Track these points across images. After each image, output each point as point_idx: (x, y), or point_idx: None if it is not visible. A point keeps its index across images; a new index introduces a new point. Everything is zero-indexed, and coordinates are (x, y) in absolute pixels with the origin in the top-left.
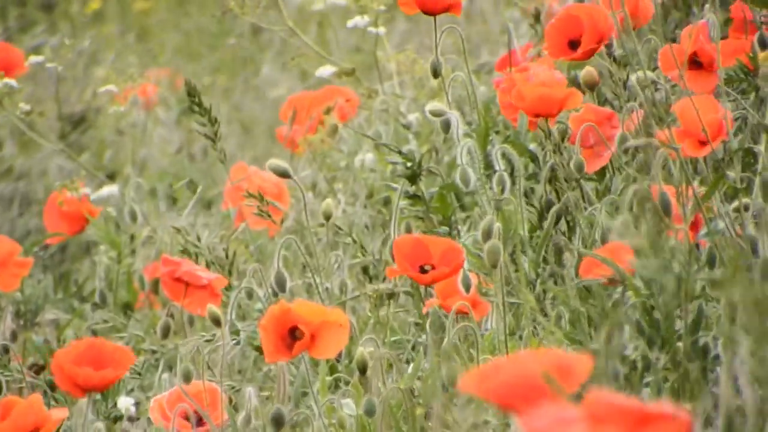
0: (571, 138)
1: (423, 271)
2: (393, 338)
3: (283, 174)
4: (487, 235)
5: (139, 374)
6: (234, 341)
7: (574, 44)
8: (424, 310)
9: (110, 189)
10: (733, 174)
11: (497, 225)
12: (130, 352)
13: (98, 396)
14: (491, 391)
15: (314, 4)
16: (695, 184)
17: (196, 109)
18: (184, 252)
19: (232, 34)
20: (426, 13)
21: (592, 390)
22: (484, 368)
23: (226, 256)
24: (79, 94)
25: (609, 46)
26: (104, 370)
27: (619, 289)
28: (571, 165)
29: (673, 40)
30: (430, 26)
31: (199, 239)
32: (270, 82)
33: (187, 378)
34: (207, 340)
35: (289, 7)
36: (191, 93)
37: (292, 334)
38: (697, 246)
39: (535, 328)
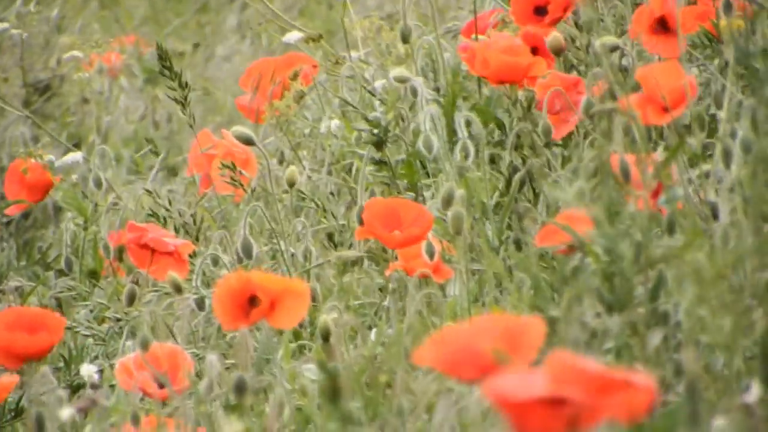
0: (538, 104)
1: (392, 234)
2: (356, 303)
3: (248, 141)
4: (447, 202)
5: (104, 341)
6: (198, 307)
7: (539, 10)
8: (387, 273)
9: (75, 156)
10: (695, 141)
11: (461, 192)
12: (61, 317)
13: (61, 364)
14: (444, 361)
15: None
16: (659, 150)
17: (167, 73)
18: (153, 217)
19: (196, 1)
20: None
21: (555, 353)
22: (438, 337)
23: (194, 222)
24: (45, 62)
25: (575, 12)
26: (38, 335)
27: (579, 255)
28: (539, 130)
29: (638, 5)
30: None
31: (170, 203)
32: (232, 50)
33: (145, 345)
34: (166, 293)
35: None
36: (162, 57)
37: (252, 303)
38: (660, 213)
39: (499, 294)
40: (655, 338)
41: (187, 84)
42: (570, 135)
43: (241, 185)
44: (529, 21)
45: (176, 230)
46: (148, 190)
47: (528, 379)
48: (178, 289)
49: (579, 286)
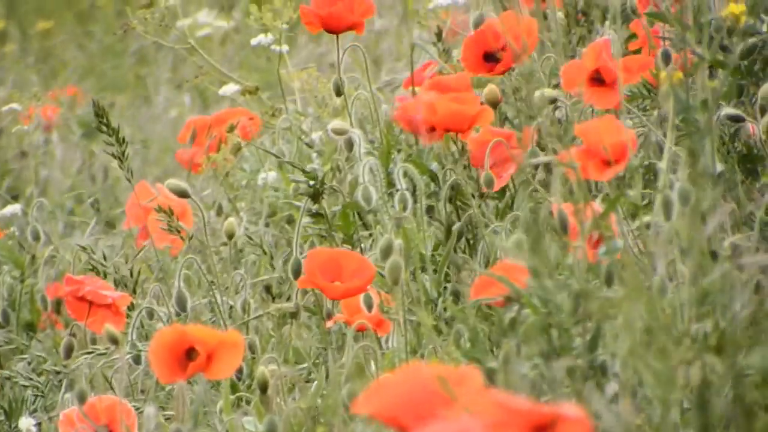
0: (471, 158)
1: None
2: (295, 357)
3: (182, 194)
4: (386, 252)
5: (43, 394)
6: (134, 361)
7: (489, 56)
8: (328, 326)
9: (13, 208)
10: (633, 192)
11: (398, 242)
12: None
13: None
14: (381, 409)
15: (201, 29)
16: (597, 201)
17: (104, 129)
18: (92, 270)
19: (133, 54)
20: (329, 31)
21: (490, 394)
22: (374, 386)
23: (131, 275)
24: None
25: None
26: None
27: (517, 307)
28: (482, 181)
29: (572, 57)
30: (334, 44)
31: (105, 258)
32: (169, 101)
33: (82, 399)
34: (100, 354)
35: (177, 29)
36: (98, 113)
37: (188, 355)
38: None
39: (437, 346)
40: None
41: (124, 139)
42: (504, 188)
43: (179, 233)
44: (479, 68)
45: (115, 283)
46: (83, 247)
47: (464, 425)
48: (116, 342)
49: (517, 338)
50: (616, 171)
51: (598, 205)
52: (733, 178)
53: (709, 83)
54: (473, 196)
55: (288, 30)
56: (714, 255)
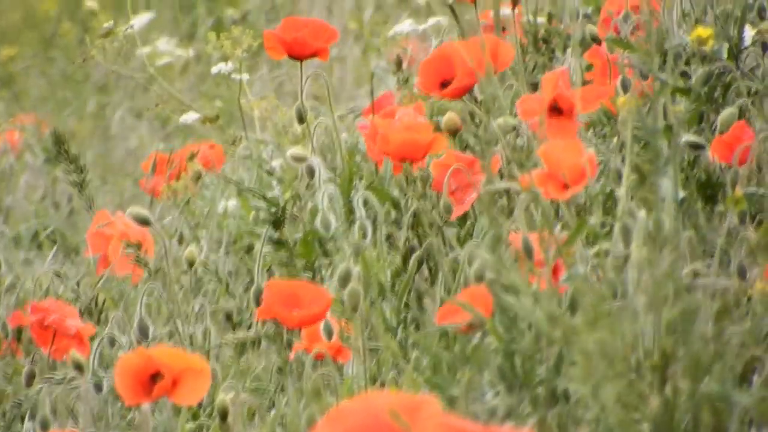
0: (434, 184)
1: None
2: (255, 384)
3: (144, 221)
4: (344, 280)
5: (4, 421)
6: (96, 388)
7: (445, 84)
8: (291, 356)
9: None
10: (594, 219)
11: (357, 270)
12: None
13: None
14: None
15: (161, 58)
16: (557, 228)
17: (64, 156)
18: (58, 298)
19: (94, 83)
20: (293, 58)
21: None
22: (334, 414)
23: (95, 304)
24: None
25: (470, 91)
26: None
27: (479, 334)
28: (440, 208)
29: (535, 84)
30: (294, 72)
31: (78, 285)
32: (130, 129)
33: (44, 426)
34: (58, 382)
35: (137, 58)
36: (58, 141)
37: (154, 380)
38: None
39: (397, 373)
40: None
41: (84, 168)
42: (465, 214)
43: (143, 264)
44: (434, 90)
45: (81, 312)
46: (57, 273)
47: None
48: (80, 369)
49: (479, 365)
50: (575, 192)
51: (558, 233)
52: (693, 204)
53: (677, 108)
54: (430, 225)
55: (248, 58)
56: (674, 282)
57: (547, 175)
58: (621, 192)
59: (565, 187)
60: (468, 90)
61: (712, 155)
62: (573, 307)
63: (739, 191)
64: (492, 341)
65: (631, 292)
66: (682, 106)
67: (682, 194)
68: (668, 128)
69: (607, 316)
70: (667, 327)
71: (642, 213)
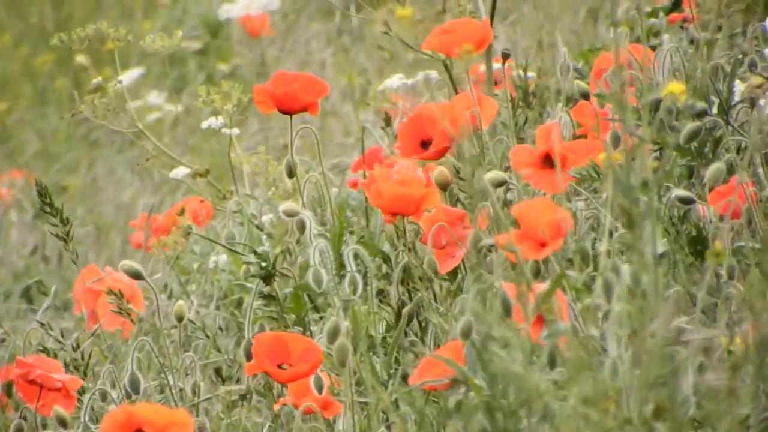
0: (423, 238)
1: (281, 369)
2: None
3: (136, 275)
4: (333, 335)
5: None
6: None
7: (426, 144)
8: (276, 407)
9: None
10: (575, 273)
11: (346, 325)
12: None
13: None
14: None
15: (151, 112)
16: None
17: (48, 209)
18: (44, 351)
19: (85, 137)
20: (283, 112)
21: None
22: None
23: (82, 358)
24: None
25: (461, 146)
26: None
27: (463, 389)
28: (425, 265)
29: (523, 140)
30: (283, 126)
31: (62, 335)
32: (121, 184)
33: None
34: None
35: (127, 112)
36: (42, 194)
37: None
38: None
39: (387, 428)
40: None
41: (68, 220)
42: (456, 269)
43: (128, 315)
44: (415, 153)
45: (66, 366)
46: (41, 323)
47: None
48: (64, 425)
49: (462, 420)
50: (552, 250)
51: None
52: (683, 259)
53: (653, 164)
54: (420, 279)
55: (237, 112)
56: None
57: (524, 234)
58: (602, 247)
59: (542, 245)
60: (447, 151)
61: (703, 209)
62: (552, 361)
63: (720, 245)
64: (474, 396)
65: (611, 347)
66: (660, 162)
67: (662, 249)
68: (644, 184)
69: (589, 370)
70: (652, 382)
71: (624, 267)
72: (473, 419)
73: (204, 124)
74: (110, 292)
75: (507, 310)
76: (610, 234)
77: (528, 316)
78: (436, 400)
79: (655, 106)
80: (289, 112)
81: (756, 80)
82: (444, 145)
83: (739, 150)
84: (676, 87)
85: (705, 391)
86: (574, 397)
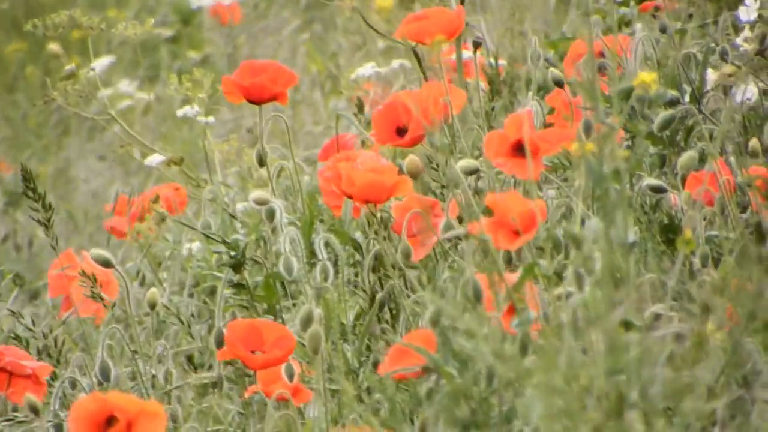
0: (394, 226)
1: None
2: (216, 427)
3: (105, 263)
4: (306, 323)
5: None
6: (56, 430)
7: (401, 131)
8: (246, 395)
9: None
10: (545, 262)
11: (318, 312)
12: None
13: None
14: None
15: (123, 100)
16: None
17: (30, 194)
18: (15, 339)
19: (57, 125)
20: (251, 102)
21: None
22: None
23: (55, 345)
24: None
25: (432, 135)
26: None
27: (434, 376)
28: (398, 252)
29: (493, 128)
30: (255, 113)
31: (34, 323)
32: (91, 171)
33: None
34: (20, 421)
35: (99, 100)
36: (26, 178)
37: (109, 424)
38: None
39: (358, 415)
40: None
41: (50, 206)
42: (428, 256)
43: (101, 299)
44: (390, 140)
45: (38, 353)
46: (12, 311)
47: None
48: (36, 411)
49: (434, 407)
50: (525, 240)
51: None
52: (654, 248)
53: (624, 153)
54: (392, 267)
55: (210, 100)
56: (628, 325)
57: (497, 223)
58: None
59: (516, 234)
60: (422, 139)
61: (675, 197)
62: (524, 348)
63: (689, 232)
64: (446, 383)
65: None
66: (631, 150)
67: (634, 237)
68: (617, 172)
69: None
70: (623, 370)
71: (596, 255)
72: (445, 407)
73: (179, 113)
74: (83, 274)
75: (478, 299)
76: (582, 222)
77: (499, 305)
78: (406, 388)
79: (627, 95)
80: (257, 102)
81: (728, 69)
82: (419, 132)
83: (711, 138)
84: (648, 76)
85: (671, 379)
86: (543, 385)
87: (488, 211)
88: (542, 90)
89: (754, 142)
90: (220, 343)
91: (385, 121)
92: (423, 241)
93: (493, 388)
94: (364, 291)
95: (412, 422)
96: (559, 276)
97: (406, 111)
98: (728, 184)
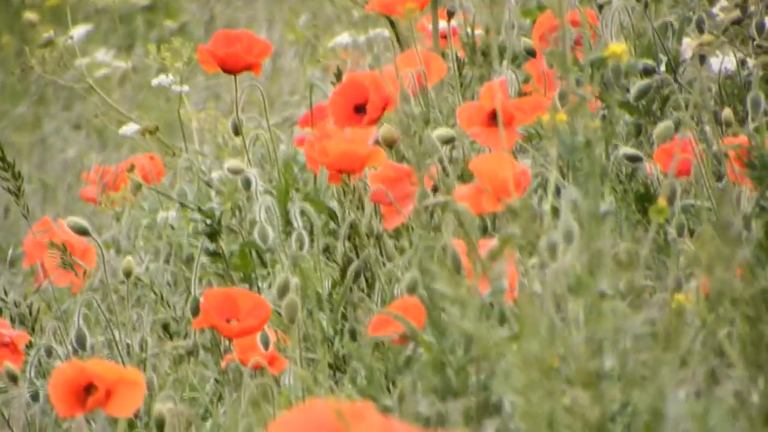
0: (371, 195)
1: (230, 324)
2: (192, 394)
3: (81, 231)
4: (282, 291)
5: None
6: (32, 398)
7: (360, 108)
8: (223, 364)
9: None
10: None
11: (294, 281)
12: None
13: None
14: None
15: (100, 69)
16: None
17: (1, 164)
18: None
19: (33, 94)
20: (226, 72)
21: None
22: (273, 425)
23: (30, 313)
24: None
25: (407, 103)
26: None
27: (412, 345)
28: (377, 219)
29: (472, 97)
30: (231, 82)
31: (6, 293)
32: (68, 141)
33: None
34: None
35: (76, 69)
36: None
37: (88, 391)
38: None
39: (335, 384)
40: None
41: (20, 174)
42: (403, 225)
43: (72, 268)
44: (348, 122)
45: (12, 321)
46: None
47: None
48: (14, 379)
49: (412, 376)
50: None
51: (494, 244)
52: (629, 217)
53: (597, 123)
54: (368, 235)
55: (186, 69)
56: (604, 294)
57: (480, 189)
58: (546, 206)
59: (499, 199)
60: (380, 118)
61: (653, 165)
62: (502, 318)
63: (663, 201)
64: (424, 352)
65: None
66: (599, 120)
67: (608, 207)
68: (588, 143)
69: (538, 327)
70: (599, 340)
71: (571, 225)
72: (423, 375)
73: (154, 82)
74: (52, 244)
75: (457, 267)
76: (557, 191)
77: (478, 273)
78: (382, 356)
79: (600, 64)
80: (232, 72)
81: (707, 38)
82: (377, 113)
83: (687, 108)
84: (618, 47)
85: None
86: (520, 354)
87: (466, 178)
88: (518, 59)
89: (727, 112)
90: (196, 312)
91: (342, 101)
92: (397, 210)
93: (470, 357)
94: (340, 260)
95: (389, 391)
96: (533, 246)
97: (365, 89)
98: (703, 153)
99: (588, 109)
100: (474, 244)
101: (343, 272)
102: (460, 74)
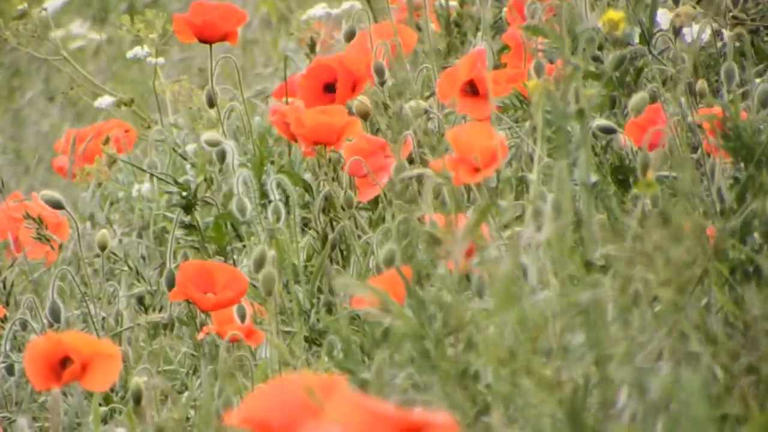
0: (344, 167)
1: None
2: (168, 367)
3: (56, 205)
4: (259, 264)
5: None
6: (7, 371)
7: (329, 87)
8: (200, 337)
9: None
10: (504, 203)
11: (272, 254)
12: None
13: None
14: (253, 420)
15: (75, 41)
16: (470, 212)
17: None
18: None
19: (7, 67)
20: (202, 41)
21: (359, 401)
22: (248, 398)
23: (4, 287)
24: None
25: (381, 75)
26: None
27: (390, 318)
28: (341, 198)
29: (448, 68)
30: (205, 54)
31: None
32: (42, 113)
33: None
34: None
35: (51, 40)
36: None
37: (63, 364)
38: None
39: (310, 357)
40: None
41: None
42: (377, 197)
43: (47, 241)
44: (318, 101)
45: None
46: None
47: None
48: None
49: (390, 348)
50: (486, 175)
51: (470, 216)
52: (605, 188)
53: (591, 91)
54: (343, 208)
55: (161, 42)
56: (587, 264)
57: (458, 159)
58: (533, 176)
59: (476, 170)
60: (352, 98)
61: (625, 138)
62: (481, 290)
63: (651, 175)
64: (401, 325)
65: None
66: (593, 90)
67: (594, 178)
68: (580, 112)
69: (517, 299)
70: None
71: (555, 196)
72: (401, 347)
73: (129, 54)
74: (28, 217)
75: (435, 240)
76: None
77: (456, 245)
78: (357, 329)
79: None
80: (208, 41)
81: (683, 9)
82: (348, 94)
83: (665, 83)
84: (615, 14)
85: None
86: (498, 325)
87: (440, 151)
88: (492, 30)
89: (701, 84)
90: (171, 285)
91: (311, 83)
92: (372, 182)
93: (448, 329)
94: (316, 231)
95: (366, 363)
96: (514, 217)
97: (333, 71)
98: (677, 124)
99: (580, 78)
100: (454, 215)
101: (324, 242)
102: (439, 45)
